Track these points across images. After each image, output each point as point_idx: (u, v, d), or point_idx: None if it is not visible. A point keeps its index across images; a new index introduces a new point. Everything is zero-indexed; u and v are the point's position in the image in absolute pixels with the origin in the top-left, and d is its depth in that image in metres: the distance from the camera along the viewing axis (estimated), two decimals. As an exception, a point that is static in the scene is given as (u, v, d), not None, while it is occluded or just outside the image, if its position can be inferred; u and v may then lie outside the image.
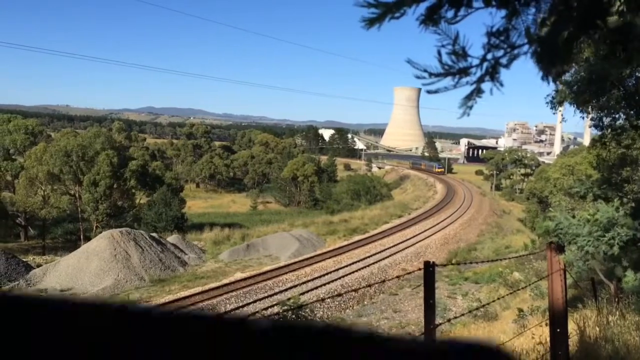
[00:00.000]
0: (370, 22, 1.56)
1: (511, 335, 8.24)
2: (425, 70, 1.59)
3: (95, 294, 25.10)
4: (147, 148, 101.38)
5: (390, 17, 1.56)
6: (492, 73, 1.60)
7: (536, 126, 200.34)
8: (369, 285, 5.13)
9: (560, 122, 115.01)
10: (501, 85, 1.63)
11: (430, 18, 1.56)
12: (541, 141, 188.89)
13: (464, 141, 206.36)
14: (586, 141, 79.48)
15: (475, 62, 1.60)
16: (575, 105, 10.36)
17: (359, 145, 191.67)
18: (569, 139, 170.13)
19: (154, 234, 34.50)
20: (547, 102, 12.39)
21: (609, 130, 9.17)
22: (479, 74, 1.60)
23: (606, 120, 9.12)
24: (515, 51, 1.59)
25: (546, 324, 5.47)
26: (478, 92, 1.65)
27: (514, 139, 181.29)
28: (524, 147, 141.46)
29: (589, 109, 9.90)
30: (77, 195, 49.43)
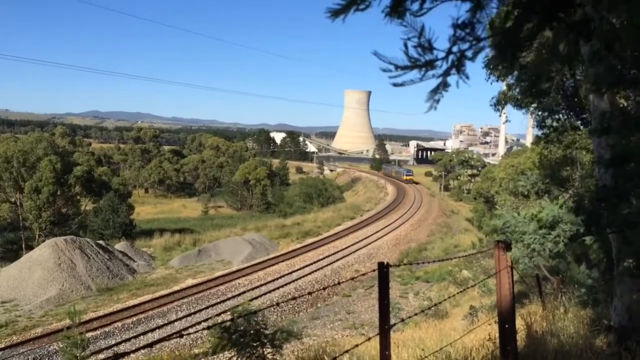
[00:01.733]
0: (335, 13, 1.54)
1: (461, 332, 8.39)
2: (391, 63, 1.57)
3: (39, 305, 24.08)
4: (92, 153, 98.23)
5: (355, 9, 1.54)
6: (458, 66, 1.59)
7: (481, 128, 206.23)
8: (325, 288, 5.13)
9: (504, 124, 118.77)
10: (467, 77, 1.62)
11: (396, 10, 1.55)
12: (486, 143, 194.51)
13: (413, 143, 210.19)
14: (528, 142, 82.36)
15: (441, 55, 1.59)
16: (518, 107, 10.71)
17: (311, 148, 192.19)
18: (513, 140, 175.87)
19: (100, 242, 33.44)
20: (491, 105, 12.78)
21: (552, 130, 9.51)
22: (445, 66, 1.59)
23: (548, 121, 9.45)
24: (481, 44, 1.58)
25: (495, 322, 5.59)
26: (444, 85, 1.63)
27: (461, 141, 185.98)
28: (470, 148, 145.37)
29: (532, 110, 10.24)
30: (18, 202, 47.35)
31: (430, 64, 1.59)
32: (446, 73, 1.61)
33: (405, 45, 1.57)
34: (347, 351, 4.38)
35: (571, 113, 9.42)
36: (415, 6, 1.55)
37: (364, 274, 4.29)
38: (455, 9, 1.59)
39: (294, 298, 3.62)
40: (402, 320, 5.68)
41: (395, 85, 1.63)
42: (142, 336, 19.85)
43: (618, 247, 5.11)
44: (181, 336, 3.15)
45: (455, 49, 1.59)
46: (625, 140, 4.45)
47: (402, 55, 1.59)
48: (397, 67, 1.58)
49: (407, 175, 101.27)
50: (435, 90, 1.64)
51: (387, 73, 1.60)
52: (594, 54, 4.10)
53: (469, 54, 1.60)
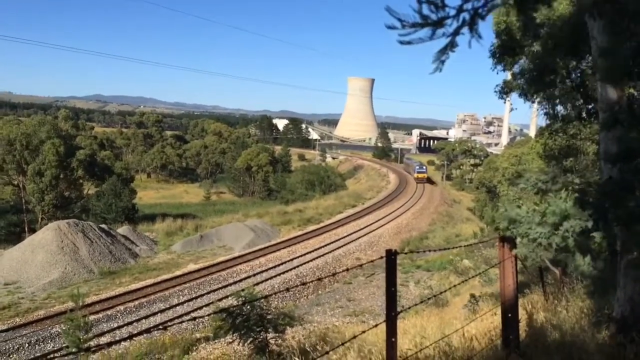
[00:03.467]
0: None
1: (462, 321, 8.43)
2: (401, 20, 1.48)
3: (42, 287, 24.24)
4: (95, 137, 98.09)
5: None
6: (472, 24, 1.51)
7: (485, 118, 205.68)
8: (334, 274, 5.16)
9: (509, 113, 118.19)
10: (480, 37, 1.53)
11: None
12: (489, 132, 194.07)
13: (416, 132, 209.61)
14: (532, 132, 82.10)
15: (452, 12, 1.51)
16: (524, 96, 10.65)
17: (313, 135, 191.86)
18: (516, 130, 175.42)
19: (103, 226, 33.56)
20: (495, 91, 12.71)
21: (559, 119, 9.47)
22: (455, 25, 1.51)
23: (557, 110, 9.42)
24: (496, 1, 1.50)
25: (497, 313, 5.62)
26: (452, 45, 1.55)
27: (464, 130, 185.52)
28: (473, 138, 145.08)
29: (538, 99, 10.19)
30: (21, 185, 47.48)
31: (440, 22, 1.51)
32: (456, 32, 1.53)
33: (419, 1, 1.50)
34: (354, 337, 4.40)
35: (577, 104, 9.38)
36: None
37: (371, 261, 4.30)
38: None
39: (303, 284, 3.63)
40: (408, 308, 5.71)
41: (401, 43, 1.55)
42: (144, 320, 19.99)
43: (622, 239, 5.11)
44: (194, 319, 3.17)
45: (467, 6, 1.51)
46: (633, 134, 4.43)
47: (411, 13, 1.50)
48: (404, 24, 1.50)
49: (418, 172, 78.96)
50: (443, 50, 1.56)
51: (396, 31, 1.51)
52: (603, 47, 4.07)
53: (482, 11, 1.52)
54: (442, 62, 1.58)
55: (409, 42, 1.52)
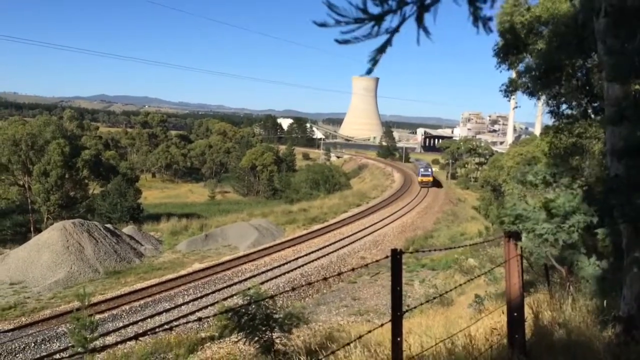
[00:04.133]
0: None
1: (468, 320, 8.41)
2: (340, 15, 1.33)
3: (48, 287, 24.34)
4: (100, 137, 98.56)
5: None
6: (419, 17, 1.36)
7: (490, 116, 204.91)
8: (339, 274, 5.17)
9: (513, 111, 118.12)
10: (428, 32, 1.38)
11: None
12: (494, 131, 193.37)
13: (420, 131, 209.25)
14: (537, 131, 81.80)
15: (394, 5, 1.37)
16: (529, 94, 10.62)
17: (318, 134, 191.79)
18: (521, 128, 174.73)
19: (108, 225, 33.66)
20: (500, 90, 12.69)
21: (564, 118, 9.44)
22: (396, 20, 1.37)
23: (563, 108, 9.38)
24: None
25: (503, 312, 5.60)
26: (388, 43, 1.39)
27: (469, 129, 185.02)
28: (478, 136, 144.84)
29: (544, 98, 10.16)
30: (26, 185, 47.67)
31: (382, 17, 1.35)
32: (396, 28, 1.37)
33: None
34: (360, 337, 4.40)
35: (583, 102, 9.34)
36: None
37: (376, 261, 4.30)
38: None
39: (309, 284, 3.63)
40: (414, 307, 5.68)
41: (339, 42, 1.39)
42: (149, 319, 20.04)
43: (628, 237, 5.09)
44: (199, 319, 3.17)
45: None
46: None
47: (349, 7, 1.33)
48: (339, 21, 1.33)
49: (423, 174, 69.53)
50: (380, 49, 1.41)
51: (334, 28, 1.35)
52: (609, 45, 4.05)
53: (428, 2, 1.36)
54: (376, 61, 1.45)
55: (347, 41, 1.38)
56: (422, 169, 72.35)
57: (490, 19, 1.41)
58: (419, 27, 1.35)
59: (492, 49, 11.30)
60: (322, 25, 1.35)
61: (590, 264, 5.13)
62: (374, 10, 1.35)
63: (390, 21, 1.37)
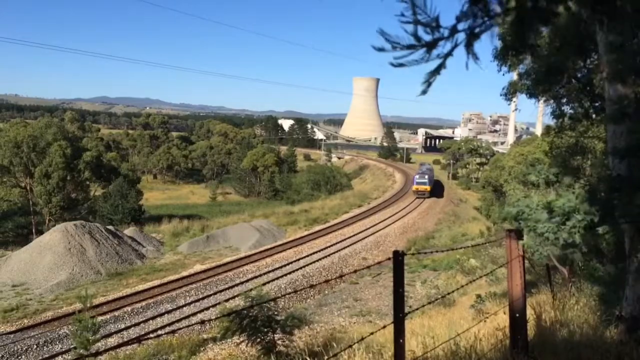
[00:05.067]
0: None
1: (470, 320, 8.40)
2: (395, 43, 1.44)
3: (50, 289, 24.35)
4: (101, 139, 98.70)
5: None
6: (468, 45, 1.45)
7: (490, 116, 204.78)
8: (341, 276, 5.18)
9: (514, 112, 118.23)
10: (476, 58, 1.47)
11: None
12: (495, 131, 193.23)
13: (421, 131, 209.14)
14: (538, 131, 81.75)
15: (447, 33, 1.45)
16: (530, 96, 10.61)
17: (319, 135, 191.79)
18: (522, 128, 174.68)
19: (110, 227, 33.67)
20: (502, 94, 12.70)
21: (566, 118, 9.43)
22: (449, 46, 1.46)
23: (564, 109, 9.37)
24: (491, 21, 1.43)
25: (505, 312, 5.59)
26: (442, 67, 1.49)
27: (470, 129, 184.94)
28: (479, 137, 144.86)
29: (545, 98, 10.15)
30: (28, 187, 47.69)
31: (434, 44, 1.45)
32: (449, 53, 1.47)
33: (415, 24, 1.44)
34: (362, 339, 4.39)
35: (584, 102, 9.33)
36: None
37: (378, 263, 4.29)
38: None
39: (311, 286, 3.62)
40: (416, 308, 5.68)
41: (394, 65, 1.50)
42: (151, 320, 20.05)
43: (631, 237, 5.08)
44: (202, 323, 3.17)
45: (460, 26, 1.44)
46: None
47: (403, 35, 1.45)
48: (395, 46, 1.45)
49: (418, 182, 59.03)
50: (434, 72, 1.51)
51: (390, 53, 1.46)
52: (612, 42, 4.04)
53: (478, 31, 1.45)
54: (430, 83, 1.52)
55: (402, 65, 1.48)
56: (417, 176, 60.57)
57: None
58: (469, 53, 1.46)
59: (491, 52, 11.30)
60: (380, 50, 1.45)
61: (593, 262, 5.13)
62: (426, 37, 1.45)
63: (443, 47, 1.46)
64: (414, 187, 59.33)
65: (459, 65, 1.55)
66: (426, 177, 59.25)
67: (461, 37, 1.45)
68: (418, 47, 1.45)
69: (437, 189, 65.31)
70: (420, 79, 1.50)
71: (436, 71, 1.50)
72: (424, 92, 1.55)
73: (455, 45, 1.45)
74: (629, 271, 5.26)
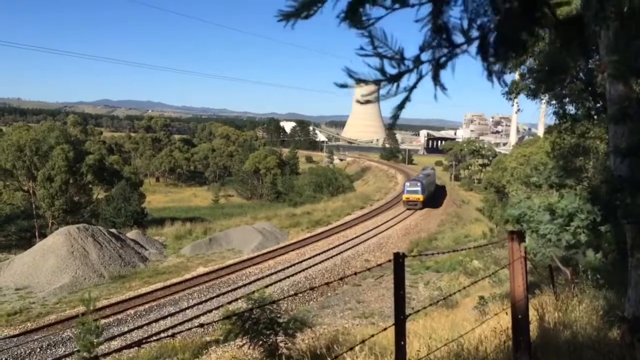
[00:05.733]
0: (287, 17, 1.38)
1: (473, 322, 8.39)
2: (361, 79, 1.40)
3: (53, 292, 24.39)
4: (104, 142, 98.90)
5: (306, 14, 1.38)
6: (435, 76, 1.42)
7: (492, 117, 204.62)
8: (342, 278, 5.19)
9: (516, 113, 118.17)
10: (443, 88, 1.45)
11: (354, 14, 1.36)
12: (497, 132, 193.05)
13: (423, 132, 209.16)
14: (540, 132, 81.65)
15: (411, 65, 1.43)
16: (532, 96, 10.61)
17: (321, 137, 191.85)
18: (524, 129, 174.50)
19: (112, 230, 33.71)
20: (503, 94, 12.71)
21: (568, 118, 9.42)
22: (414, 78, 1.43)
23: (566, 109, 9.37)
24: (457, 50, 1.41)
25: (507, 312, 5.58)
26: (407, 99, 1.47)
27: (472, 130, 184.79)
28: (481, 138, 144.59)
29: (547, 98, 10.15)
30: (31, 191, 47.81)
31: (400, 76, 1.42)
32: (414, 86, 1.44)
33: (380, 57, 1.40)
34: (363, 341, 4.39)
35: (586, 102, 9.32)
36: (379, 12, 1.36)
37: (380, 265, 4.29)
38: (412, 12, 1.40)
39: (311, 288, 3.63)
40: (418, 310, 5.67)
41: (360, 103, 1.49)
42: (154, 323, 20.06)
43: (633, 237, 5.07)
44: (202, 326, 3.18)
45: (424, 57, 1.41)
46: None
47: (368, 71, 1.41)
48: (359, 81, 1.40)
49: (409, 191, 51.27)
50: (399, 107, 1.47)
51: (355, 88, 1.44)
52: (611, 44, 4.04)
53: (443, 61, 1.42)
54: (397, 116, 1.48)
55: (368, 102, 1.46)
56: (407, 183, 53.48)
57: (503, 72, 1.49)
58: (436, 84, 1.43)
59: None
60: (343, 86, 1.42)
61: (596, 262, 5.13)
62: (392, 71, 1.41)
63: (408, 79, 1.43)
64: (404, 196, 51.31)
65: (459, 66, 1.53)
66: (419, 184, 51.50)
67: (426, 68, 1.42)
68: (384, 82, 1.42)
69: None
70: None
71: (401, 106, 1.47)
72: (392, 125, 1.55)
73: (421, 77, 1.42)
74: (631, 272, 5.25)
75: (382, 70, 1.42)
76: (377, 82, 1.42)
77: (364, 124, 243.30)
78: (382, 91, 1.45)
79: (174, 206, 72.54)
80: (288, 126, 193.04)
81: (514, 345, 5.02)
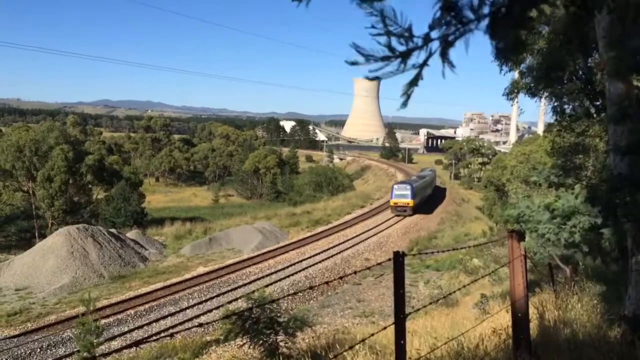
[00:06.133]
0: None
1: (473, 320, 8.38)
2: (370, 55, 1.42)
3: (53, 292, 24.38)
4: (103, 142, 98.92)
5: None
6: (443, 53, 1.42)
7: (492, 116, 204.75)
8: (342, 277, 5.20)
9: (516, 112, 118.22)
10: (452, 65, 1.45)
11: None
12: (497, 130, 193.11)
13: (423, 131, 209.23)
14: (540, 130, 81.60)
15: (421, 42, 1.43)
16: (531, 94, 10.60)
17: (320, 136, 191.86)
18: (524, 128, 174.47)
19: (112, 230, 33.70)
20: (504, 94, 12.70)
21: (566, 117, 9.42)
22: (423, 55, 1.43)
23: (565, 107, 9.36)
24: (467, 27, 1.41)
25: (507, 310, 5.58)
26: (419, 78, 1.47)
27: (471, 129, 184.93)
28: (480, 136, 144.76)
29: (546, 96, 10.15)
30: (30, 191, 47.79)
31: (408, 54, 1.43)
32: (424, 63, 1.45)
33: (387, 35, 1.42)
34: (363, 340, 4.38)
35: (585, 100, 9.32)
36: None
37: (379, 264, 4.28)
38: None
39: (311, 287, 3.63)
40: (418, 309, 5.67)
41: (369, 79, 1.49)
42: (154, 323, 20.05)
43: (633, 236, 5.07)
44: (200, 325, 3.18)
45: (434, 34, 1.42)
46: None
47: (378, 47, 1.43)
48: (368, 59, 1.43)
49: (397, 196, 45.84)
50: (411, 83, 1.48)
51: (362, 66, 1.44)
52: (611, 41, 4.04)
53: (452, 39, 1.43)
54: (409, 95, 1.48)
55: (377, 78, 1.46)
56: (396, 186, 47.42)
57: (510, 52, 1.50)
58: (444, 62, 1.43)
59: (491, 53, 11.27)
60: (353, 63, 1.43)
61: (596, 261, 5.12)
62: (400, 47, 1.43)
63: (417, 57, 1.44)
64: (391, 200, 46.09)
65: (459, 66, 1.52)
66: (408, 188, 46.07)
67: (435, 45, 1.43)
68: (392, 59, 1.43)
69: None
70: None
71: (414, 82, 1.48)
72: (404, 105, 1.52)
73: (430, 55, 1.43)
74: (632, 270, 5.25)
75: (389, 47, 1.43)
76: (385, 59, 1.43)
77: (363, 123, 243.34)
78: (391, 67, 1.46)
79: (174, 206, 72.56)
80: (288, 125, 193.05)
81: (514, 343, 5.02)
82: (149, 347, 16.44)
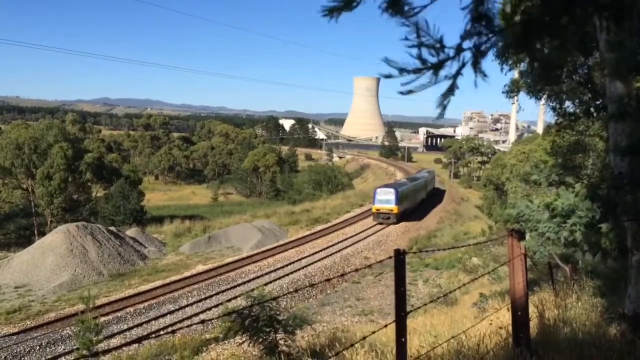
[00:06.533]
0: (330, 12, 1.43)
1: (472, 319, 8.40)
2: (403, 68, 1.41)
3: (52, 290, 24.38)
4: (102, 140, 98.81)
5: (350, 6, 1.42)
6: (475, 63, 1.42)
7: (492, 115, 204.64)
8: (342, 275, 5.21)
9: (516, 111, 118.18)
10: (485, 75, 1.45)
11: (395, 5, 1.39)
12: (497, 129, 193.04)
13: (422, 130, 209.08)
14: (539, 129, 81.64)
15: (452, 53, 1.42)
16: (531, 94, 10.60)
17: (320, 135, 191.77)
18: (524, 127, 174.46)
19: (112, 228, 33.70)
20: (503, 92, 12.69)
21: (567, 116, 9.42)
22: (456, 66, 1.43)
23: (565, 106, 9.36)
24: (496, 37, 1.42)
25: (507, 309, 5.59)
26: (453, 88, 1.47)
27: (471, 128, 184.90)
28: (480, 135, 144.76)
29: (546, 95, 10.15)
30: (30, 189, 47.76)
31: (440, 65, 1.43)
32: (457, 73, 1.44)
33: (418, 46, 1.42)
34: (363, 338, 4.39)
35: (585, 100, 9.33)
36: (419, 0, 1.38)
37: (380, 262, 4.29)
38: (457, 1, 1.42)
39: (311, 286, 3.63)
40: (418, 307, 5.67)
41: (403, 93, 1.47)
42: (153, 321, 20.06)
43: (633, 234, 5.08)
44: (202, 322, 3.18)
45: (466, 45, 1.42)
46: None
47: (408, 59, 1.43)
48: (402, 71, 1.42)
49: (379, 201, 40.69)
50: (447, 94, 1.47)
51: (396, 79, 1.44)
52: (611, 41, 4.04)
53: (484, 48, 1.43)
54: (445, 106, 1.48)
55: (410, 91, 1.46)
56: (379, 190, 41.79)
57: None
58: (476, 72, 1.44)
59: (492, 52, 11.26)
60: (388, 77, 1.43)
61: (595, 260, 5.13)
62: (431, 59, 1.43)
63: (450, 67, 1.44)
64: (374, 207, 41.16)
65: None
66: (392, 192, 40.65)
67: (467, 55, 1.43)
68: (424, 70, 1.43)
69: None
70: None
71: (449, 92, 1.48)
72: (441, 115, 1.52)
73: (463, 65, 1.44)
74: (631, 269, 5.26)
75: (421, 58, 1.43)
76: (417, 71, 1.44)
77: (363, 122, 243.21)
78: (423, 80, 1.45)
79: (173, 204, 72.56)
80: (287, 124, 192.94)
81: (514, 342, 5.03)
82: (148, 344, 16.44)
